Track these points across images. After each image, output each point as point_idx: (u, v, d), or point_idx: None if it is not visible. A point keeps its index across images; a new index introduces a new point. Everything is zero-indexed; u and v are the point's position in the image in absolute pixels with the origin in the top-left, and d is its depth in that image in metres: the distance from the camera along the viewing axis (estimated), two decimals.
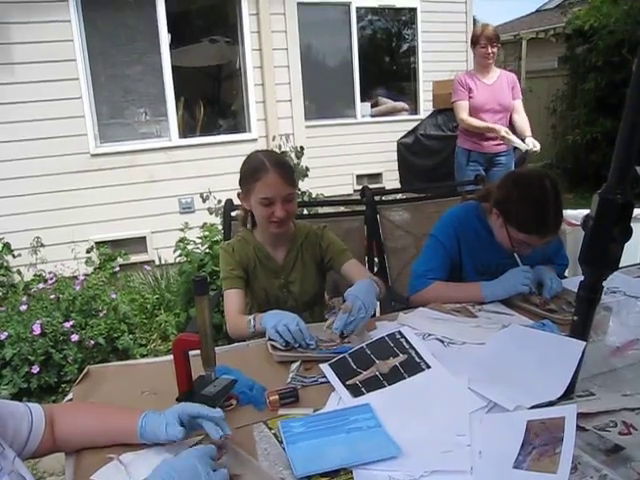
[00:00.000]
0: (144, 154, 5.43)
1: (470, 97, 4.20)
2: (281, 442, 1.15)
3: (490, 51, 4.10)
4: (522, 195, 1.84)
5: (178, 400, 1.25)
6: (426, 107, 7.79)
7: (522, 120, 4.22)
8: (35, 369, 3.25)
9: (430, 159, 6.46)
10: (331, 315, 1.67)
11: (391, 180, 7.52)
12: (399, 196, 3.45)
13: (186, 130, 5.86)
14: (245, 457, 1.08)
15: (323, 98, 7.70)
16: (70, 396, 1.46)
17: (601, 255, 1.17)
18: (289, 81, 5.85)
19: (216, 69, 6.58)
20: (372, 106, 8.16)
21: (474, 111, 4.20)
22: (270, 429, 1.22)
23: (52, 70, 4.98)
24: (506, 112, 4.22)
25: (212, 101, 6.46)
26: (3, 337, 3.29)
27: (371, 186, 3.20)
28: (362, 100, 7.94)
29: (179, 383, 1.27)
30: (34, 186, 5.03)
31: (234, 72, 6.18)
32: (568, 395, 1.24)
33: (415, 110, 8.29)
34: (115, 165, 5.32)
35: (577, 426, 1.11)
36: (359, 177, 7.83)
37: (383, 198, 3.16)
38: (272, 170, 1.85)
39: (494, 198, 1.95)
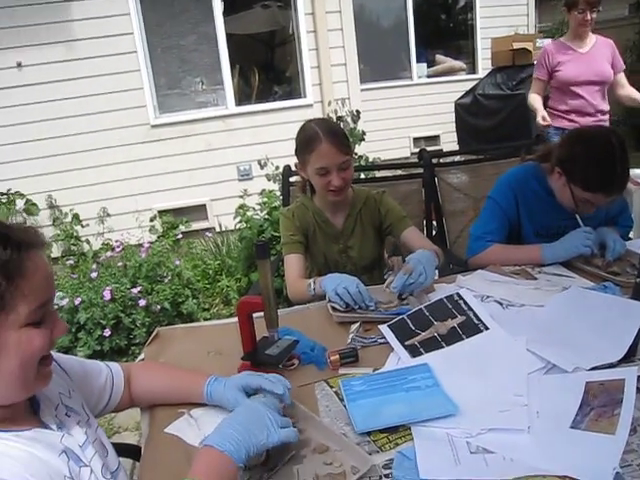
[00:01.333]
0: (202, 123, 5.51)
1: (558, 71, 3.70)
2: (342, 400, 1.20)
3: (589, 17, 3.55)
4: (587, 152, 1.78)
5: (243, 359, 1.32)
6: (484, 65, 7.55)
7: (630, 91, 3.76)
8: (107, 332, 3.43)
9: (489, 119, 6.30)
10: (390, 275, 1.68)
11: (449, 142, 7.39)
12: (457, 158, 3.39)
13: (242, 98, 5.90)
14: (307, 413, 1.13)
15: (378, 60, 7.57)
16: (142, 356, 1.55)
17: None
18: (343, 44, 5.77)
19: (269, 35, 6.56)
20: (429, 66, 7.97)
21: (565, 85, 3.72)
22: (331, 387, 1.27)
23: (111, 45, 5.10)
24: (604, 84, 3.72)
25: (266, 68, 6.46)
26: (77, 302, 3.49)
27: (428, 148, 3.17)
28: (418, 61, 7.76)
29: (244, 344, 1.33)
30: (99, 158, 5.21)
31: (287, 37, 6.15)
32: (629, 358, 1.22)
33: (473, 69, 8.05)
34: (174, 135, 5.44)
35: (637, 389, 1.11)
36: (416, 140, 7.72)
37: (441, 160, 3.12)
38: (325, 140, 1.86)
39: (556, 157, 1.90)
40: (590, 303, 1.43)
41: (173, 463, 1.06)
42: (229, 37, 5.54)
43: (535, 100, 3.83)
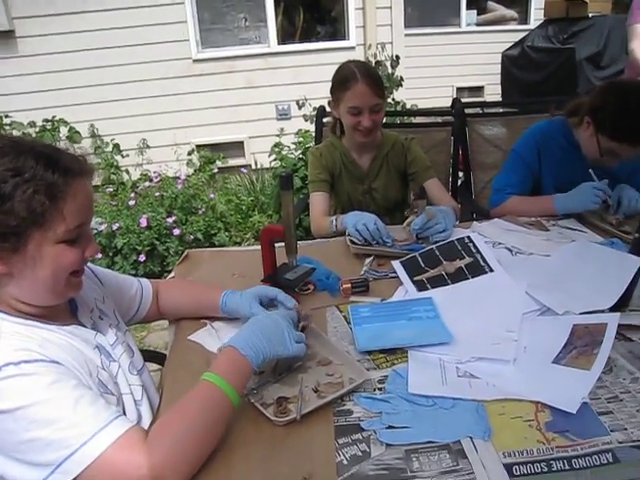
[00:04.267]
0: (243, 60, 5.51)
1: None
2: (349, 323, 1.32)
3: None
4: (620, 102, 1.82)
5: (263, 281, 1.44)
6: (537, 16, 7.30)
7: None
8: (142, 258, 3.63)
9: (536, 73, 6.17)
10: (411, 214, 1.76)
11: (493, 94, 7.26)
12: (501, 110, 3.37)
13: (285, 36, 5.86)
14: (316, 331, 1.25)
15: (426, 4, 7.39)
16: (172, 274, 1.69)
17: None
18: None
19: None
20: (479, 13, 7.73)
21: None
22: (341, 312, 1.39)
23: None
24: None
25: (312, 7, 6.36)
26: (115, 228, 3.67)
27: (472, 100, 3.14)
28: (468, 7, 7.54)
29: (265, 267, 1.45)
30: (141, 90, 5.28)
31: None
32: (621, 308, 1.29)
33: (525, 19, 7.81)
34: (215, 70, 5.46)
35: (623, 336, 1.21)
36: (459, 90, 7.60)
37: (482, 111, 3.12)
38: (361, 80, 1.94)
39: (587, 106, 1.93)
40: (592, 255, 1.50)
41: (194, 365, 1.20)
42: None
43: None
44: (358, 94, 1.95)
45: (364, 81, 1.94)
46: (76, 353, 1.00)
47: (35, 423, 0.84)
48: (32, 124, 4.98)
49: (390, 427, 0.99)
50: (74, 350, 1.01)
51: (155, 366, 1.52)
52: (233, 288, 1.37)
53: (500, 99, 6.76)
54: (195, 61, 5.41)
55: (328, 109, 2.26)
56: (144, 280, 1.43)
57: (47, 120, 5.02)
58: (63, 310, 1.10)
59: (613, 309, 1.28)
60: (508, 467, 0.90)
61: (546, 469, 0.90)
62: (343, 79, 2.00)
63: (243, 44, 5.63)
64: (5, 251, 0.92)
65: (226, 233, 3.96)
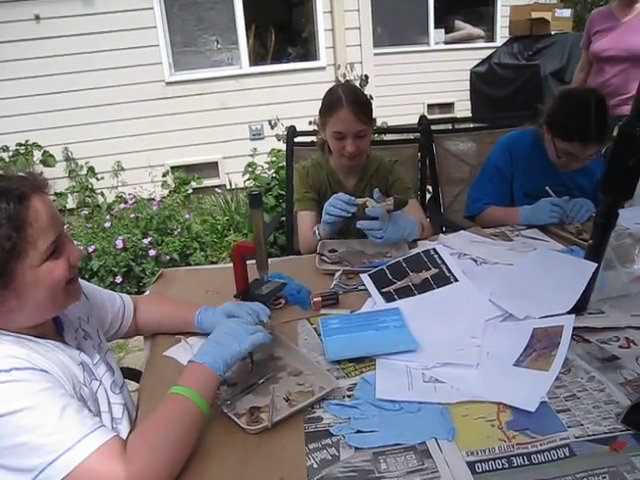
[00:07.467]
0: (216, 82, 5.59)
1: (591, 42, 3.22)
2: (320, 335, 1.36)
3: None
4: (564, 106, 1.99)
5: (235, 297, 1.48)
6: (503, 34, 7.50)
7: None
8: (118, 279, 3.63)
9: (503, 89, 6.32)
10: (375, 200, 1.77)
11: (463, 110, 7.40)
12: (471, 126, 3.46)
13: (257, 58, 5.96)
14: (287, 343, 1.29)
15: (395, 24, 7.54)
16: (147, 293, 1.72)
17: (617, 184, 1.27)
18: (358, 8, 5.77)
19: None
20: (447, 31, 7.92)
21: (594, 59, 3.23)
22: (311, 324, 1.44)
23: (128, 0, 5.16)
24: (634, 62, 3.03)
25: (283, 28, 6.48)
26: (90, 250, 3.68)
27: (442, 116, 3.21)
28: (436, 26, 7.71)
29: (237, 283, 1.49)
30: (115, 113, 5.32)
31: None
32: (579, 311, 1.36)
33: (492, 37, 8.01)
34: (188, 93, 5.53)
35: (581, 338, 1.27)
36: (430, 106, 7.73)
37: (452, 127, 3.19)
38: (346, 106, 1.94)
39: (544, 114, 2.07)
40: (551, 262, 1.57)
41: (169, 380, 1.20)
42: None
43: (575, 80, 3.31)
44: (342, 120, 1.95)
45: (349, 107, 1.94)
46: (62, 366, 1.03)
47: (22, 428, 0.86)
48: (5, 148, 4.97)
49: (358, 431, 1.03)
50: (60, 363, 1.03)
51: (136, 385, 1.54)
52: (207, 305, 1.41)
53: (470, 114, 6.90)
54: (168, 83, 5.46)
55: (299, 128, 2.29)
56: (125, 296, 1.46)
57: (20, 144, 5.01)
58: (50, 330, 1.12)
59: (571, 312, 1.33)
60: (471, 465, 0.94)
61: (507, 465, 0.94)
62: (329, 104, 2.00)
63: (215, 66, 5.71)
64: None
65: (202, 253, 3.99)
